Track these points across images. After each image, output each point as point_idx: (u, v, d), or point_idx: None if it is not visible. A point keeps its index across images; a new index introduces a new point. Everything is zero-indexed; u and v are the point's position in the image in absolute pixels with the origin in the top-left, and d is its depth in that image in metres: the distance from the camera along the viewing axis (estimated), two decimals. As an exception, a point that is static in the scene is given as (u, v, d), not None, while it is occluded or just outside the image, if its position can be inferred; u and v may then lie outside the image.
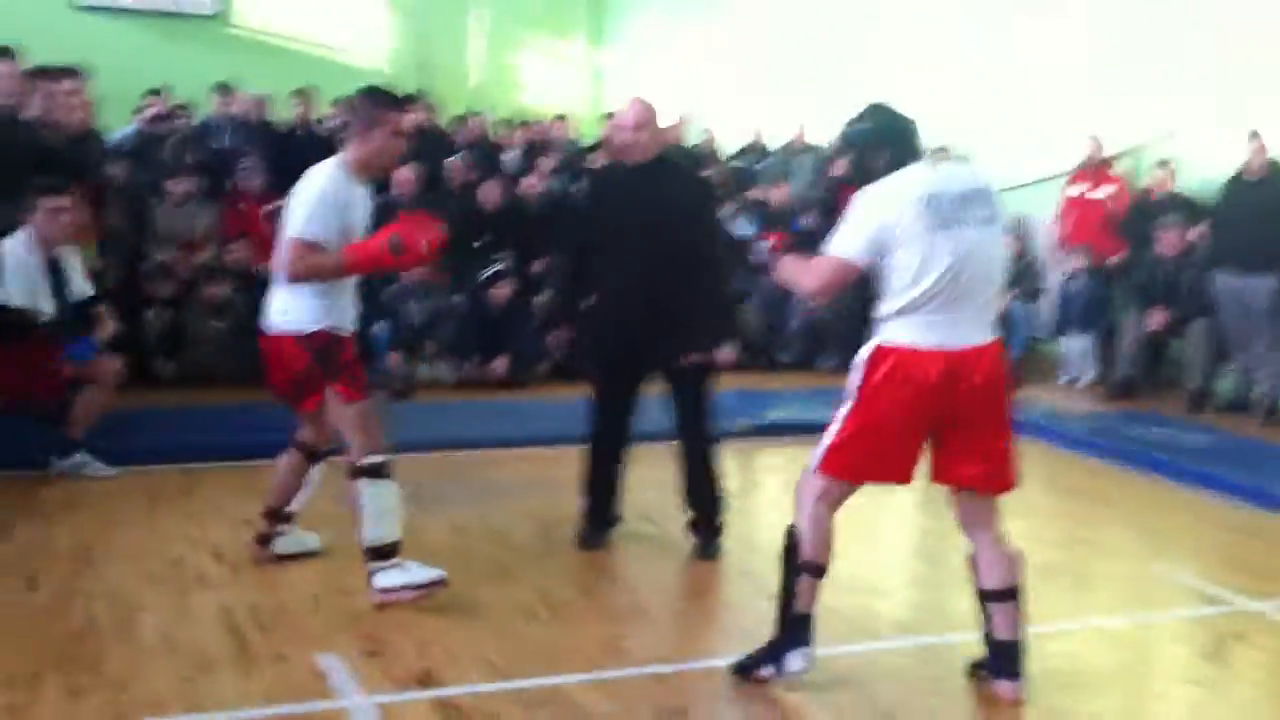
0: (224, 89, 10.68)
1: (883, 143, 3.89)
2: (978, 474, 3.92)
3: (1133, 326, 9.08)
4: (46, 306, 6.03)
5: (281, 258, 4.48)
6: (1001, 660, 3.98)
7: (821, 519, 3.93)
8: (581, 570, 5.15)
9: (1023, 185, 10.61)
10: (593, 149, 12.10)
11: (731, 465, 7.06)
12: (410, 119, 4.62)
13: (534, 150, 12.01)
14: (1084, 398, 9.22)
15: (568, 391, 7.63)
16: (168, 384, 8.16)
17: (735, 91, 14.14)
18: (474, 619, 4.40)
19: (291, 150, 10.51)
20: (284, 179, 9.58)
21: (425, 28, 15.19)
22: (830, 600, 4.72)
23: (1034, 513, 6.34)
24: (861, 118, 4.00)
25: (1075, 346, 9.75)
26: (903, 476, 3.94)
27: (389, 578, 4.51)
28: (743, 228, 4.40)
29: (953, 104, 11.31)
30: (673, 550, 5.31)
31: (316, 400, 4.63)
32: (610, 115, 13.25)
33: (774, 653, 3.98)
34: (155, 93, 10.34)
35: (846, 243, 3.78)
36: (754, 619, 4.57)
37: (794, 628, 3.95)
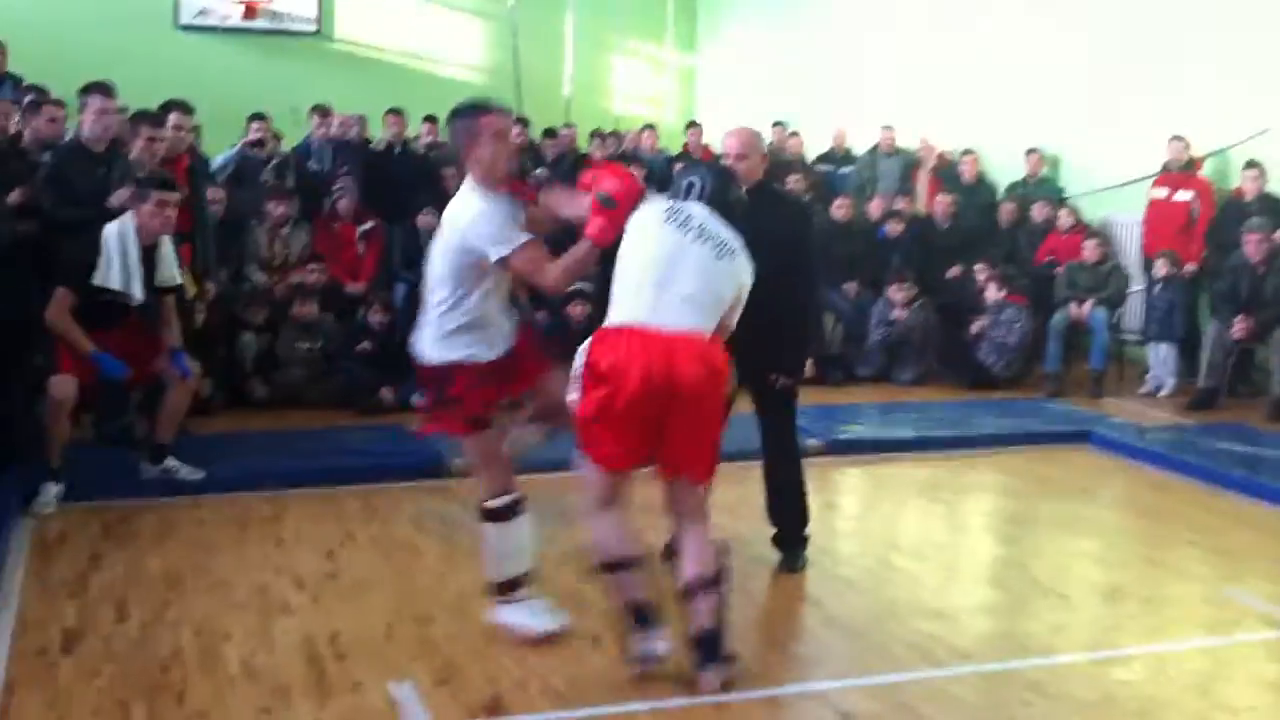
0: (322, 111, 10.93)
1: None
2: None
3: (1215, 334, 8.97)
4: (138, 292, 6.22)
5: (526, 280, 4.57)
6: (706, 648, 4.20)
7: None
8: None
9: (1104, 189, 10.56)
10: (680, 158, 12.21)
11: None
12: (505, 121, 4.62)
13: (621, 161, 12.15)
14: (1165, 408, 9.12)
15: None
16: (261, 407, 8.38)
17: (822, 95, 14.16)
18: (543, 647, 4.52)
19: (387, 170, 10.81)
20: (377, 199, 9.96)
21: (519, 39, 15.38)
22: (894, 628, 4.82)
23: (1104, 532, 6.36)
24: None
25: (1158, 355, 9.65)
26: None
27: (512, 614, 4.64)
28: None
29: (1041, 105, 11.27)
30: (747, 575, 5.39)
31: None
32: (694, 124, 13.48)
33: (630, 645, 4.30)
34: (260, 117, 10.66)
35: None
36: (817, 648, 4.67)
37: (632, 617, 4.27)
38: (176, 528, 5.90)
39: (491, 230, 4.35)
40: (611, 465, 4.26)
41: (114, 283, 6.14)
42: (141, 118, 7.24)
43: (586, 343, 4.26)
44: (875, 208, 11.47)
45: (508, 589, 4.65)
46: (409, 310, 9.20)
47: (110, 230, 6.17)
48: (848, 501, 7.11)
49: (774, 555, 5.50)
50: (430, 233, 9.66)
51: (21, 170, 6.85)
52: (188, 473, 6.45)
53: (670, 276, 4.20)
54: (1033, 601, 5.26)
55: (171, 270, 6.48)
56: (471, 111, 4.54)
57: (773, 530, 5.56)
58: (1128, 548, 6.11)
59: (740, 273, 4.34)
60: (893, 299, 10.20)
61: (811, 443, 7.59)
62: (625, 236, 4.30)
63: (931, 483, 7.18)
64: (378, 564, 5.51)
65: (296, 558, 5.53)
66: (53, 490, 6.13)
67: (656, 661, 4.26)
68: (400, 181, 10.53)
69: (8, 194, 6.66)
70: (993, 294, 9.91)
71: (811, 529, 5.59)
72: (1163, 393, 9.50)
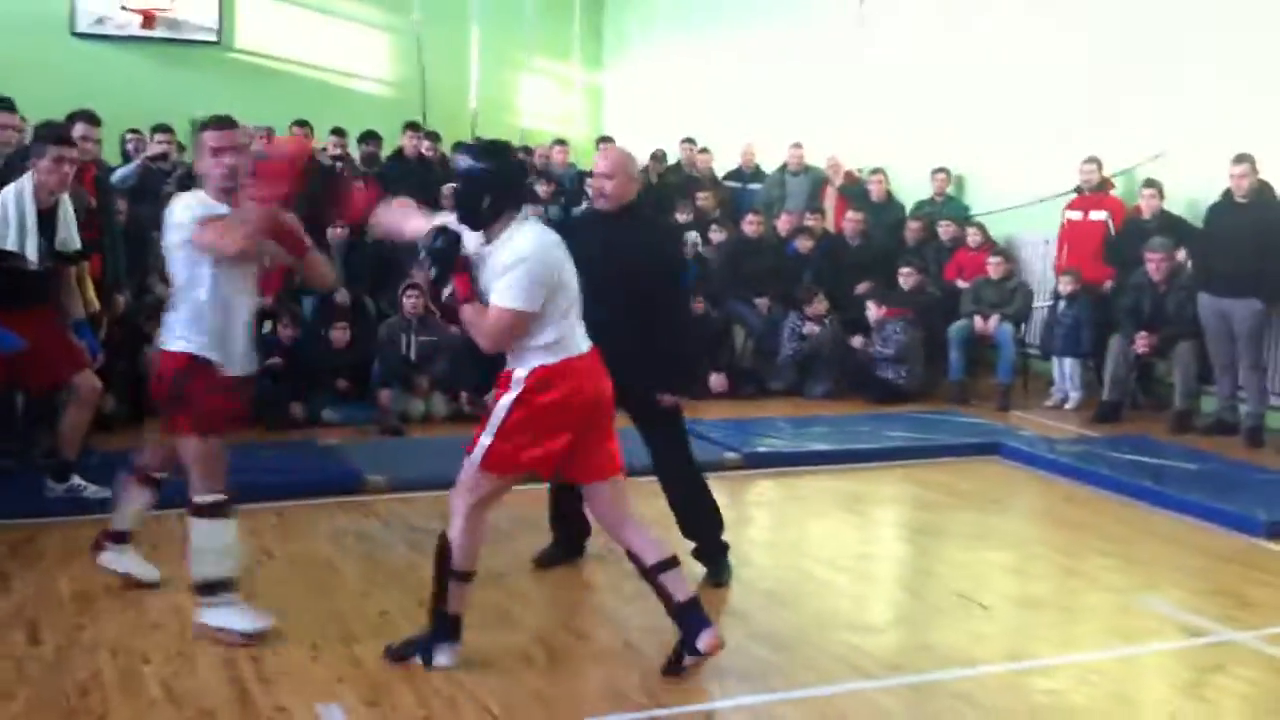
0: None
1: (494, 187, 4.30)
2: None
3: (1119, 349, 9.18)
4: (33, 254, 5.98)
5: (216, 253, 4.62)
6: (692, 616, 4.44)
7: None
8: (577, 613, 5.26)
9: (1017, 207, 10.76)
10: (590, 174, 12.19)
11: (722, 498, 7.19)
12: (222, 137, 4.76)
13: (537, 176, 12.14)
14: (1070, 420, 9.32)
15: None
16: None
17: (731, 112, 14.25)
18: (473, 666, 4.46)
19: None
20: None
21: (424, 53, 15.29)
22: (819, 640, 4.85)
23: (1019, 543, 6.47)
24: (481, 153, 4.39)
25: (1063, 369, 9.86)
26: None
27: (217, 615, 4.67)
28: None
29: (951, 123, 11.46)
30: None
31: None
32: (606, 139, 13.49)
33: (426, 646, 4.44)
34: (165, 129, 10.43)
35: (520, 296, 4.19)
36: (746, 661, 4.67)
37: (450, 628, 4.45)
38: (84, 547, 5.69)
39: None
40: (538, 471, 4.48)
41: (8, 243, 5.89)
42: (48, 133, 6.91)
43: (519, 382, 4.30)
44: (784, 224, 11.58)
45: (211, 590, 4.67)
46: (317, 324, 9.14)
47: (6, 192, 5.93)
48: (765, 514, 7.14)
49: (698, 569, 5.49)
50: (342, 245, 9.71)
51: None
52: (94, 491, 6.24)
53: (576, 301, 4.38)
54: (953, 612, 5.32)
55: (71, 234, 6.22)
56: (200, 127, 4.80)
57: (691, 545, 5.56)
58: (1043, 558, 6.22)
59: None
60: (803, 315, 10.31)
61: (729, 456, 7.65)
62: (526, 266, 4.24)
63: (846, 495, 7.25)
64: (297, 583, 5.40)
65: (213, 577, 5.40)
66: None
67: (436, 668, 4.40)
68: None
69: None
70: (873, 312, 10.10)
71: (731, 541, 5.62)
72: (1067, 406, 9.71)
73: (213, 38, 15.38)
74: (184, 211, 4.63)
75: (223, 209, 4.62)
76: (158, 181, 9.69)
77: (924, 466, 7.86)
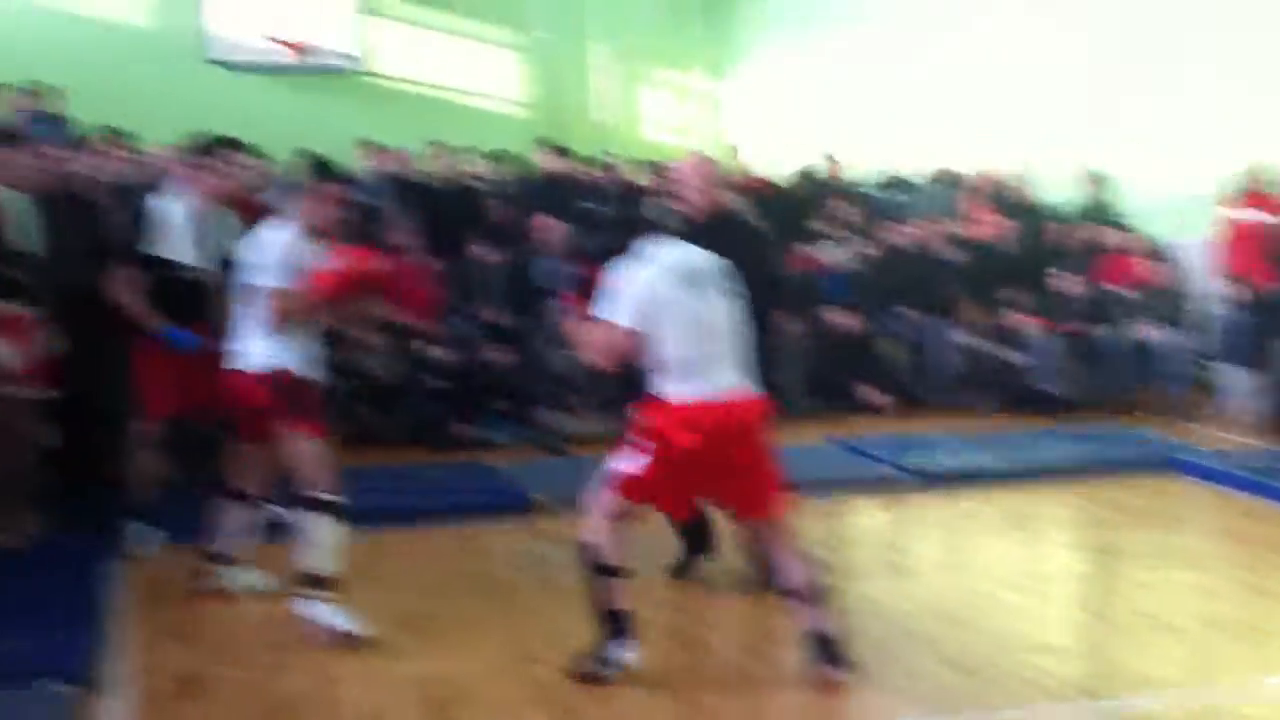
0: (367, 145, 10.99)
1: None
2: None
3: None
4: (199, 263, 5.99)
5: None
6: (828, 648, 4.48)
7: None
8: (772, 635, 5.18)
9: (1167, 211, 10.49)
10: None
11: (884, 516, 7.14)
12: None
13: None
14: (1241, 431, 9.03)
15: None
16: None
17: (867, 120, 14.14)
18: (662, 688, 4.49)
19: (432, 203, 10.81)
20: (424, 232, 9.97)
21: (547, 69, 15.46)
22: (1005, 662, 4.77)
23: (1202, 562, 6.29)
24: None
25: (1231, 377, 9.56)
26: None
27: (314, 609, 4.93)
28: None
29: (1098, 124, 11.22)
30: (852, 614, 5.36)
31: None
32: (734, 149, 13.47)
33: (603, 652, 4.50)
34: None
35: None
36: (936, 684, 4.60)
37: (612, 623, 4.50)
38: (280, 567, 5.86)
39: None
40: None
41: (181, 256, 5.94)
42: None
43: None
44: (929, 233, 11.40)
45: (316, 583, 4.95)
46: (476, 345, 9.26)
47: (171, 206, 5.94)
48: (934, 533, 7.05)
49: (878, 589, 5.43)
50: (481, 264, 9.79)
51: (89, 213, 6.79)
52: (288, 516, 6.33)
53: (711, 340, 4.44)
54: (1140, 634, 5.19)
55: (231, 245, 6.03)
56: (318, 173, 5.21)
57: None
58: (1228, 576, 6.03)
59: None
60: (958, 326, 10.17)
61: (891, 472, 7.57)
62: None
63: (1015, 512, 7.12)
64: (477, 603, 5.48)
65: (400, 599, 5.52)
66: (145, 532, 6.08)
67: (619, 669, 4.46)
68: (446, 214, 10.53)
69: (79, 237, 6.49)
70: (1026, 322, 9.93)
71: (902, 561, 5.56)
72: (1237, 416, 9.41)
73: (352, 65, 15.68)
74: (277, 249, 5.00)
75: (309, 249, 4.99)
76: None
77: (1093, 482, 7.67)
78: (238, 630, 5.11)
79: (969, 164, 12.29)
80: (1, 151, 6.33)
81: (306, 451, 5.00)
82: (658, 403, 4.40)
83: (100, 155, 7.73)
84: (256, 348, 5.06)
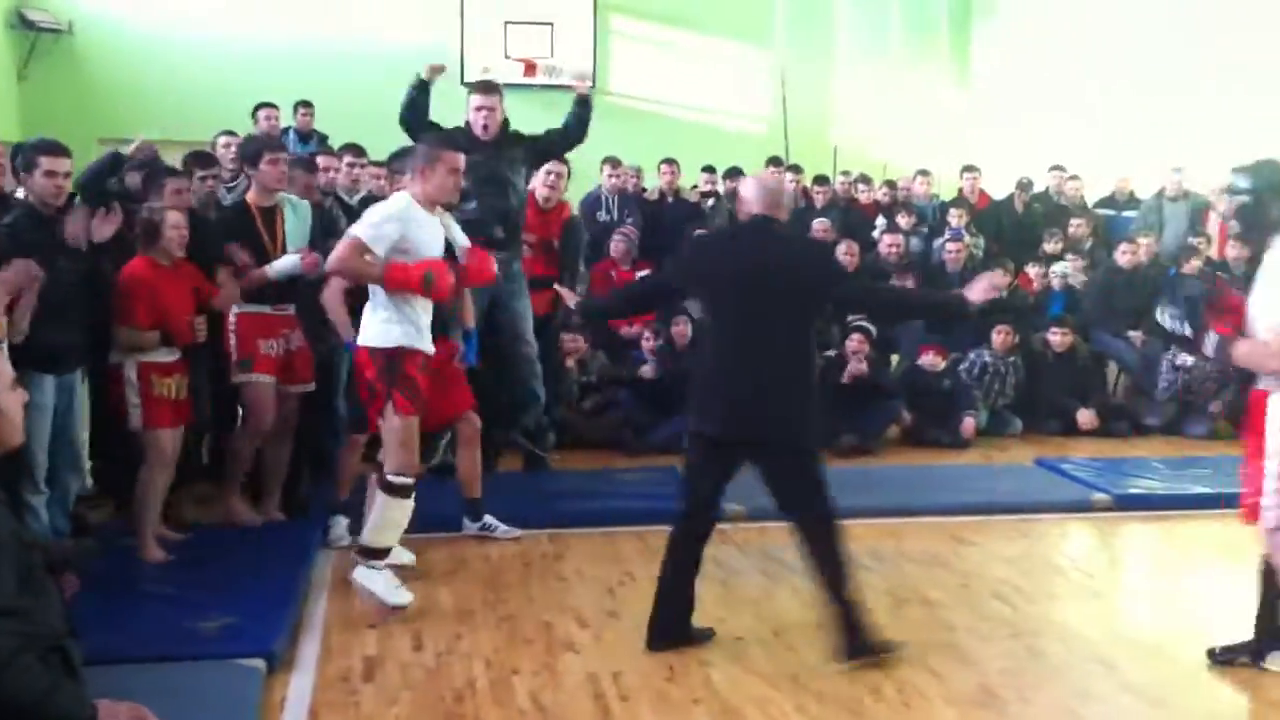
0: (612, 162, 11.22)
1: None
2: None
3: None
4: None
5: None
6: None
7: None
8: (934, 652, 5.11)
9: None
10: (954, 203, 11.98)
11: (1084, 540, 6.91)
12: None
13: (892, 208, 12.05)
14: None
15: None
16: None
17: (1104, 137, 13.68)
18: (825, 698, 4.48)
19: (660, 217, 11.02)
20: (652, 246, 10.16)
21: (786, 88, 15.44)
22: (1196, 694, 4.57)
23: None
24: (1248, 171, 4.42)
25: None
26: None
27: (369, 579, 5.25)
28: (1171, 322, 4.58)
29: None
30: (1032, 633, 5.23)
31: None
32: (971, 168, 13.20)
33: (1259, 649, 4.73)
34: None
35: None
36: (1113, 711, 4.45)
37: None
38: (466, 563, 6.09)
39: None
40: None
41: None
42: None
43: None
44: (1161, 250, 10.97)
45: (376, 555, 5.26)
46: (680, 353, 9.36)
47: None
48: (1138, 560, 6.80)
49: (1066, 613, 5.26)
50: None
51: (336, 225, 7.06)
52: (503, 532, 6.47)
53: None
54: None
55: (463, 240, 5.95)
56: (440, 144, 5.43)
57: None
58: None
59: None
60: (1180, 347, 9.73)
61: (1099, 497, 7.32)
62: None
63: (1227, 542, 6.73)
64: (656, 605, 5.55)
65: (579, 596, 5.65)
66: (344, 524, 6.37)
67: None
68: (673, 229, 10.69)
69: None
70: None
71: (1101, 588, 5.38)
72: None
73: (589, 82, 16.00)
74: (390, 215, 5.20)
75: (424, 214, 5.25)
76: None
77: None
78: (424, 620, 5.30)
79: (1205, 182, 11.77)
80: (294, 170, 6.79)
81: (393, 428, 5.21)
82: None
83: (350, 169, 8.28)
84: (370, 321, 5.26)
